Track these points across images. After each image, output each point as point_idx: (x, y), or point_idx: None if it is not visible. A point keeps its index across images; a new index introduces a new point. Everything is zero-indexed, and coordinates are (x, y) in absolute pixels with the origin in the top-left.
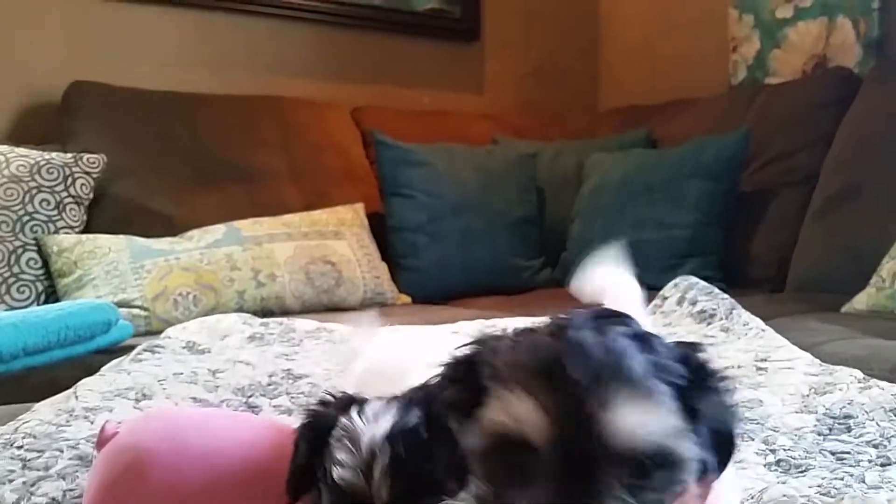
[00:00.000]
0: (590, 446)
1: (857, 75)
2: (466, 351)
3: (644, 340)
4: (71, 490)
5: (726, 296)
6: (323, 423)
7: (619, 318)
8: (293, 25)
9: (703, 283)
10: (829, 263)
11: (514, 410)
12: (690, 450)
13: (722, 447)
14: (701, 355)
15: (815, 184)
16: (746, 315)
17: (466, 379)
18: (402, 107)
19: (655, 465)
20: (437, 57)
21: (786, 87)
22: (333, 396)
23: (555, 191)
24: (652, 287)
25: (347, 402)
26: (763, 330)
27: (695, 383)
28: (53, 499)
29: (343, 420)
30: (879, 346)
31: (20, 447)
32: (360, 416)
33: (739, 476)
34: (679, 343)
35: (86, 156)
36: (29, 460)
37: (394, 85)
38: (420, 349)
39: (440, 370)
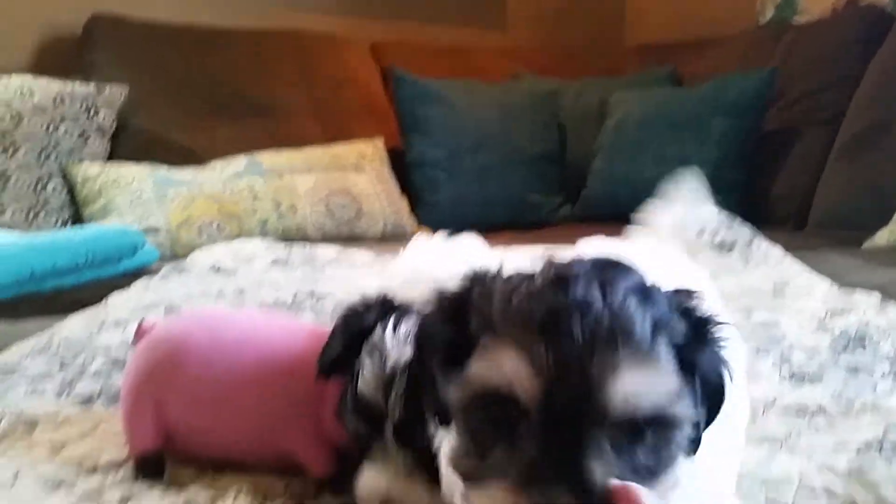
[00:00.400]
0: (583, 409)
1: (889, 13)
2: (459, 289)
3: (647, 295)
4: (107, 387)
5: (747, 226)
6: (360, 322)
7: (623, 268)
8: None
9: (723, 214)
10: (852, 201)
11: (504, 367)
12: (687, 411)
13: (712, 400)
14: (699, 306)
15: (840, 123)
16: (766, 245)
17: (456, 321)
18: (422, 42)
19: (651, 428)
20: None
21: (814, 25)
22: (374, 300)
23: (577, 128)
24: None
25: (387, 310)
26: (782, 259)
27: (693, 338)
28: (90, 395)
29: (378, 331)
30: None
31: (56, 351)
32: (392, 334)
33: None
34: (677, 292)
35: (107, 87)
36: (66, 361)
37: (414, 20)
38: (457, 255)
39: (432, 303)
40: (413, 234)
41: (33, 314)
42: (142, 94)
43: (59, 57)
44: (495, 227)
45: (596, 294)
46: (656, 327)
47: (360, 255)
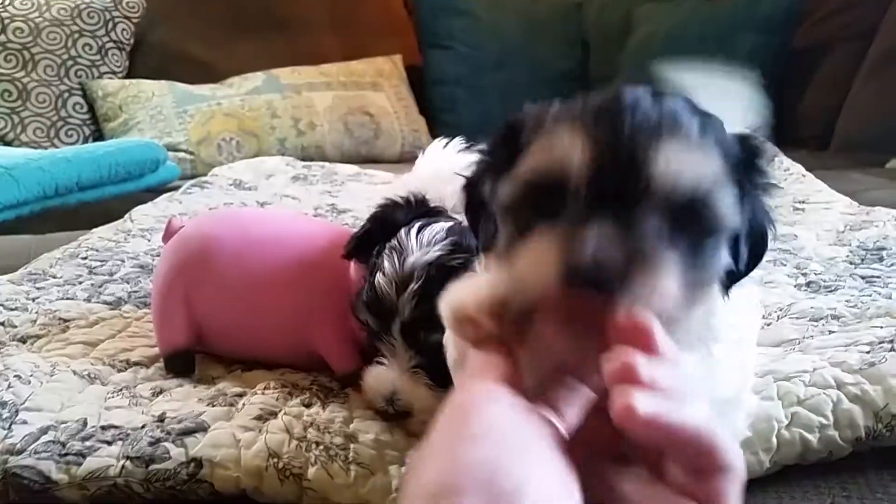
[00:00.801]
0: (630, 185)
1: None
2: (512, 118)
3: (702, 112)
4: (135, 291)
5: (768, 142)
6: (392, 216)
7: (681, 95)
8: None
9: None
10: (877, 121)
11: (553, 151)
12: (731, 214)
13: (755, 244)
14: (759, 143)
15: (873, 39)
16: (788, 161)
17: (509, 141)
18: None
19: (694, 216)
20: None
21: None
22: (410, 199)
23: (601, 43)
24: None
25: (419, 211)
26: (804, 175)
27: (746, 165)
28: (119, 298)
29: (402, 233)
30: None
31: (85, 258)
32: (416, 237)
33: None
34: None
35: (125, 0)
36: (94, 267)
37: None
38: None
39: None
40: None
41: (59, 227)
42: (160, 6)
43: None
44: None
45: (649, 99)
46: (707, 128)
47: (380, 173)
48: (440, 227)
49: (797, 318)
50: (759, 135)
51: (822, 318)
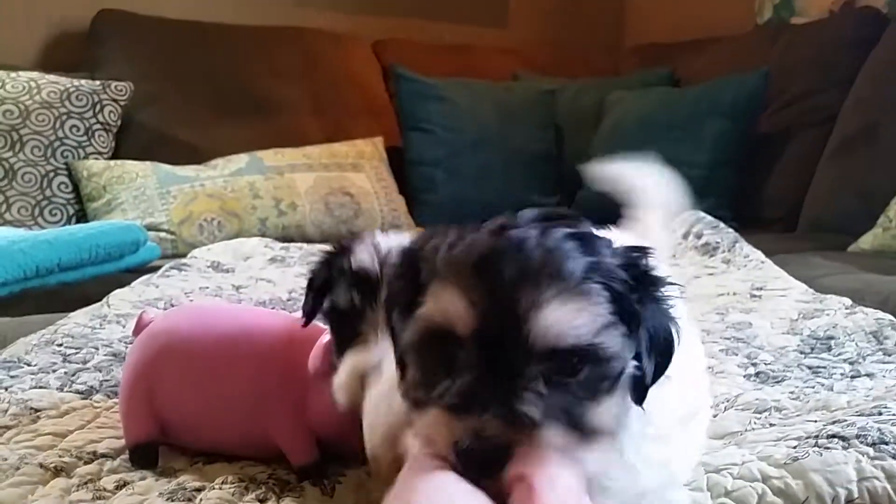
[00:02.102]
0: (512, 339)
1: (885, 15)
2: (412, 246)
3: (587, 242)
4: (107, 380)
5: (730, 230)
6: (337, 259)
7: (568, 219)
8: None
9: (709, 217)
10: (841, 204)
11: (444, 304)
12: (618, 348)
13: (660, 353)
14: (647, 262)
15: (834, 126)
16: (748, 248)
17: (408, 275)
18: (424, 40)
19: (581, 361)
20: None
21: (811, 26)
22: (342, 246)
23: (574, 128)
24: None
25: (358, 240)
26: (763, 262)
27: (636, 288)
28: (91, 387)
29: (364, 236)
30: (875, 280)
31: (60, 345)
32: (379, 235)
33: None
34: (628, 248)
35: (113, 83)
36: (69, 355)
37: (417, 18)
38: None
39: (395, 260)
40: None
41: (38, 309)
42: (147, 90)
43: (67, 52)
44: None
45: (531, 237)
46: (590, 269)
47: None
48: (393, 232)
49: (742, 409)
50: (643, 249)
51: (765, 410)
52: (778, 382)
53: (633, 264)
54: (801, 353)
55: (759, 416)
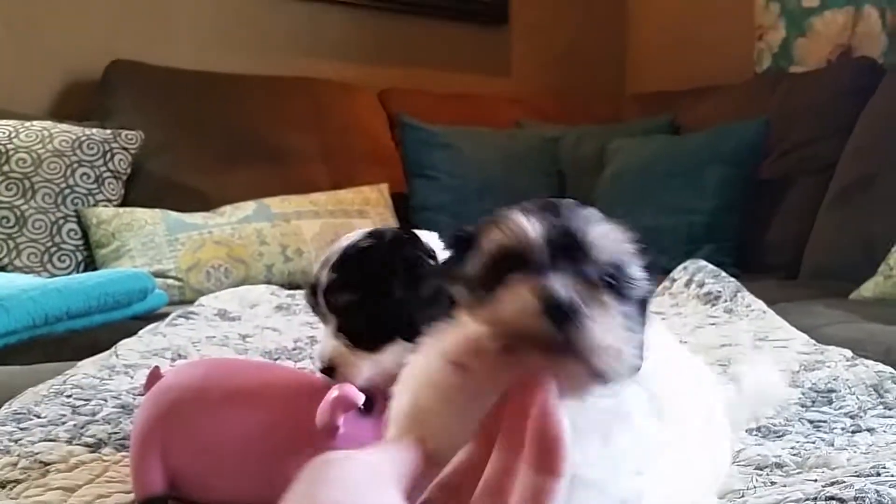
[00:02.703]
0: (574, 251)
1: (881, 65)
2: (467, 227)
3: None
4: (115, 433)
5: (732, 279)
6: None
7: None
8: (325, 8)
9: (711, 266)
10: (841, 252)
11: (512, 227)
12: (643, 275)
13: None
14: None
15: (833, 173)
16: (750, 297)
17: (466, 242)
18: (429, 89)
19: (620, 275)
20: (466, 40)
21: (809, 75)
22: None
23: (576, 175)
24: (668, 272)
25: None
26: (764, 312)
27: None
28: (100, 439)
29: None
30: (877, 329)
31: (69, 396)
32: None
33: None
34: None
35: (124, 132)
36: (77, 407)
37: (422, 67)
38: None
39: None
40: None
41: (46, 357)
42: (157, 138)
43: (79, 101)
44: None
45: (572, 202)
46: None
47: None
48: (364, 229)
49: (744, 465)
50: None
51: (766, 467)
52: (779, 437)
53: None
54: (803, 406)
55: (760, 472)
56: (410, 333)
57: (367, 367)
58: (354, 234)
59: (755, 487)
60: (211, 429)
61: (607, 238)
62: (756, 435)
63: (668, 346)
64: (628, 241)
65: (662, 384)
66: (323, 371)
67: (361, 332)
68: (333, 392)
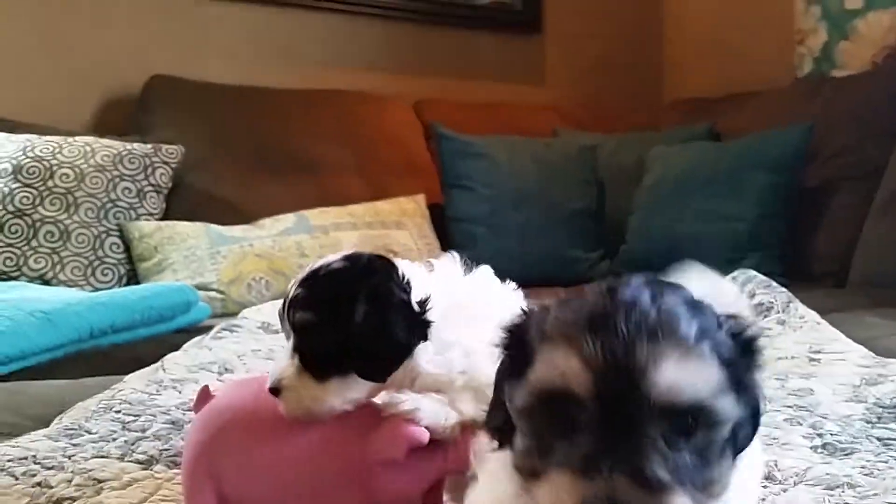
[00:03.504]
0: (632, 399)
1: None
2: (515, 320)
3: (696, 306)
4: (166, 450)
5: (783, 289)
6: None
7: (674, 284)
8: (358, 21)
9: (761, 276)
10: (891, 259)
11: (560, 365)
12: (730, 409)
13: (752, 423)
14: (751, 331)
15: (881, 178)
16: (803, 308)
17: (517, 345)
18: (464, 99)
19: (697, 422)
20: (499, 49)
21: (853, 79)
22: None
23: (615, 183)
24: None
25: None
26: (818, 323)
27: (741, 357)
28: (151, 456)
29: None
30: None
31: (118, 411)
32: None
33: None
34: (730, 317)
35: (164, 146)
36: (127, 422)
37: (456, 78)
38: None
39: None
40: None
41: (91, 371)
42: (196, 152)
43: (120, 116)
44: (535, 283)
45: (644, 297)
46: (702, 332)
47: None
48: (334, 256)
49: (813, 485)
50: (747, 319)
51: (838, 487)
52: (847, 455)
53: (739, 333)
54: (868, 422)
55: (831, 492)
56: (366, 368)
57: (309, 395)
58: (335, 254)
59: None
60: (263, 454)
61: (680, 374)
62: (822, 452)
63: None
64: (716, 357)
65: None
66: (270, 391)
67: (314, 356)
68: (404, 426)
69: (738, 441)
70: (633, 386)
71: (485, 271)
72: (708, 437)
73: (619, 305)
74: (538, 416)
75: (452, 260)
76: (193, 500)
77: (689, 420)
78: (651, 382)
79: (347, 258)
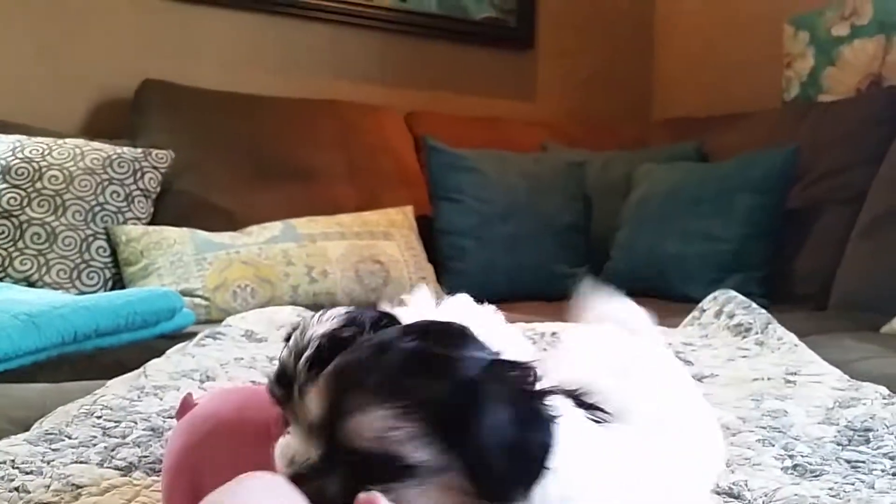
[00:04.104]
0: (329, 443)
1: None
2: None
3: (424, 360)
4: (146, 456)
5: (763, 310)
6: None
7: (433, 331)
8: (352, 31)
9: (741, 297)
10: (872, 283)
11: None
12: (423, 457)
13: (518, 456)
14: (520, 375)
15: (863, 203)
16: (781, 330)
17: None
18: (455, 112)
19: (383, 465)
20: (492, 64)
21: (839, 104)
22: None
23: (602, 199)
24: (693, 300)
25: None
26: (796, 345)
27: (474, 404)
28: (131, 463)
29: (305, 319)
30: None
31: (99, 417)
32: (317, 317)
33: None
34: (496, 362)
35: (154, 151)
36: (108, 428)
37: (448, 91)
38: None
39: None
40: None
41: (74, 375)
42: (187, 157)
43: (111, 119)
44: (521, 297)
45: (370, 356)
46: (409, 383)
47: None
48: (340, 310)
49: None
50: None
51: None
52: (816, 477)
53: (490, 377)
54: (839, 444)
55: None
56: None
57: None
58: (329, 316)
59: None
60: (248, 462)
61: (365, 427)
62: (791, 473)
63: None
64: (407, 419)
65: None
66: (292, 479)
67: None
68: None
69: (489, 479)
70: (330, 433)
71: (460, 300)
72: (398, 477)
73: (354, 360)
74: None
75: (425, 293)
76: None
77: (377, 462)
78: (341, 431)
79: (352, 322)
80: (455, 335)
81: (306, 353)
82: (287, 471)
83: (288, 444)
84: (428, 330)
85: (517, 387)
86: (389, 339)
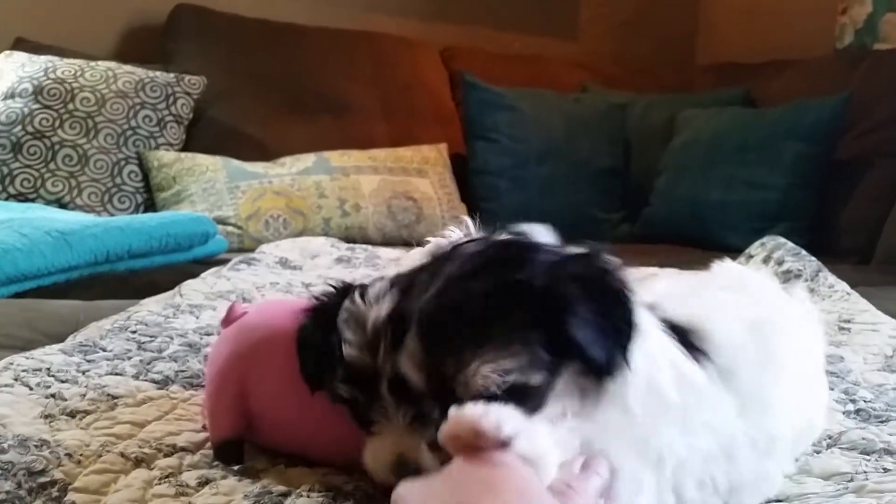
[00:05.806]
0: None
1: None
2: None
3: (501, 286)
4: (182, 370)
5: (813, 258)
6: (328, 309)
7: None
8: None
9: (790, 243)
10: None
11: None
12: (539, 378)
13: (613, 326)
14: (588, 267)
15: None
16: (832, 278)
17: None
18: (492, 49)
19: (508, 395)
20: (532, 0)
21: (894, 53)
22: (334, 287)
23: (643, 144)
24: (733, 249)
25: (347, 289)
26: (848, 293)
27: (563, 308)
28: (167, 377)
29: (347, 303)
30: None
31: (134, 332)
32: (363, 299)
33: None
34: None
35: (187, 77)
36: (143, 343)
37: (486, 27)
38: None
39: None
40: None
41: (106, 294)
42: (220, 85)
43: (144, 44)
44: None
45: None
46: (505, 316)
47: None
48: (379, 285)
49: (848, 448)
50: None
51: (874, 452)
52: (882, 423)
53: (570, 272)
54: None
55: (867, 457)
56: None
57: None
58: (376, 292)
59: (866, 472)
60: (294, 375)
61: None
62: (855, 418)
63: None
64: (517, 333)
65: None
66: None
67: None
68: None
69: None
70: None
71: None
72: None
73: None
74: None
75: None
76: (217, 416)
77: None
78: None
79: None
80: (516, 246)
81: (382, 344)
82: (399, 472)
83: (384, 447)
84: (488, 252)
85: (590, 274)
86: (459, 273)
